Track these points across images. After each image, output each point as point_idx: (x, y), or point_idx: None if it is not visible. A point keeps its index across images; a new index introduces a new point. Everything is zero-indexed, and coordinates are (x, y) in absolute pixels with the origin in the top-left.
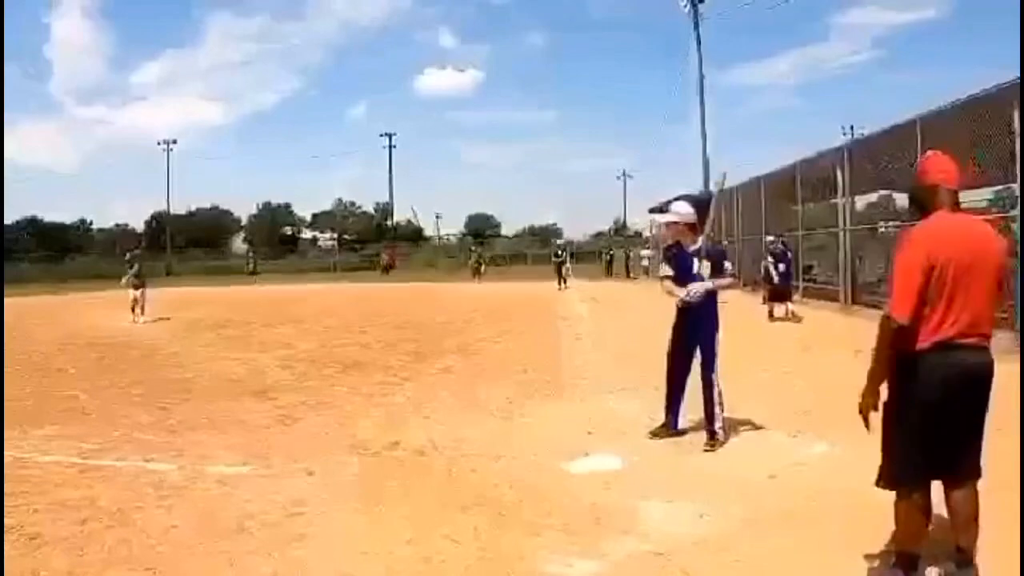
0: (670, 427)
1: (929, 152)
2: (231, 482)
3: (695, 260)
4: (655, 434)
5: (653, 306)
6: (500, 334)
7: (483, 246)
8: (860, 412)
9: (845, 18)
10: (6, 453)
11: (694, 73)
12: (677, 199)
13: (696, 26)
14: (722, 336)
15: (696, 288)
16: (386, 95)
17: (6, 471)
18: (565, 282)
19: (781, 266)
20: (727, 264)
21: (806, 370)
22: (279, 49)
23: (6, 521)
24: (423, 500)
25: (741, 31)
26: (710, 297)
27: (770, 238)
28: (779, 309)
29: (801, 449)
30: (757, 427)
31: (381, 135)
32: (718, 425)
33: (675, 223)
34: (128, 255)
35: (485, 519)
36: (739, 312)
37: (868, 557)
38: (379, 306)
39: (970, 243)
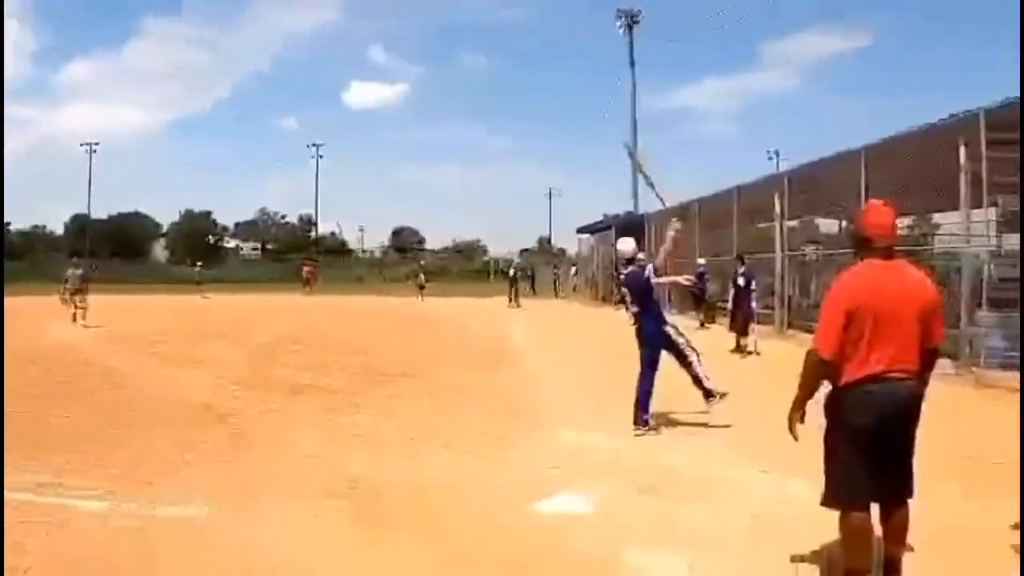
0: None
1: (869, 203)
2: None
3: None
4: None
5: (598, 327)
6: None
7: (423, 264)
8: (789, 430)
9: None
10: None
11: (627, 94)
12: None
13: (631, 48)
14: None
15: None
16: (317, 107)
17: None
18: (517, 300)
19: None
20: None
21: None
22: (211, 56)
23: None
24: (392, 553)
25: (675, 55)
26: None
27: (701, 260)
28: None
29: (776, 486)
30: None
31: (309, 146)
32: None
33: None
34: (74, 259)
35: None
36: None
37: None
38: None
39: (894, 290)
